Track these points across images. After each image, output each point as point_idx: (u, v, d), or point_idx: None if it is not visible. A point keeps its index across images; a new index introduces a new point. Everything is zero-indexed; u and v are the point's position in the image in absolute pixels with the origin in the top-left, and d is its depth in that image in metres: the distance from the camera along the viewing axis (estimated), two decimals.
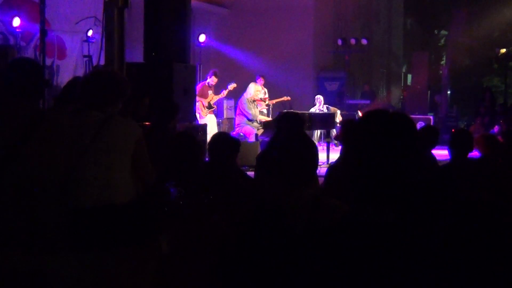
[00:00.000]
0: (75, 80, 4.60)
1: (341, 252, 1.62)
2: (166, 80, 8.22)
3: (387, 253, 1.57)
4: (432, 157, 5.93)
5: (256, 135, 11.28)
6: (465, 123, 20.13)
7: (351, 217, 1.67)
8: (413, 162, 1.60)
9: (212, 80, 12.06)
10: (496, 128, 13.75)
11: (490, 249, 2.41)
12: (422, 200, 1.71)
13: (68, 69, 12.75)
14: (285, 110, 9.43)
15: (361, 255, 1.59)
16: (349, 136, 5.31)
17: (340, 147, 6.19)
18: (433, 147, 5.97)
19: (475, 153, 5.67)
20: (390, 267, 1.55)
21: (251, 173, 6.19)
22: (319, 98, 14.49)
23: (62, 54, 12.83)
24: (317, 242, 1.70)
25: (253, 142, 10.81)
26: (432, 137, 5.98)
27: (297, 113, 6.32)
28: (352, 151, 1.64)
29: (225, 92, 12.49)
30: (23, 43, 11.77)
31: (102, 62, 7.35)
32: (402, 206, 1.58)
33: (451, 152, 5.20)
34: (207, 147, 4.99)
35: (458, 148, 5.15)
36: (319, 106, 14.32)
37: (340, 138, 5.90)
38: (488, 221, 2.44)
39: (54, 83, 11.77)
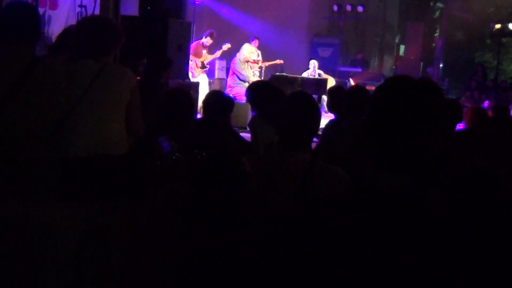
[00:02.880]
0: (69, 29, 4.51)
1: (345, 226, 1.50)
2: (160, 35, 8.12)
3: (399, 228, 1.47)
4: None
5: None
6: (455, 97, 20.14)
7: (363, 186, 1.56)
8: (437, 133, 1.53)
9: (207, 40, 11.90)
10: (486, 103, 13.77)
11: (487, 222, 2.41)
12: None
13: (59, 20, 12.50)
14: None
15: (370, 229, 1.47)
16: (338, 104, 5.30)
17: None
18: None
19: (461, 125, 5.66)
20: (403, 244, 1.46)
21: (242, 134, 6.17)
22: (314, 63, 14.37)
23: (54, 4, 12.58)
24: (314, 214, 1.57)
25: (244, 104, 10.74)
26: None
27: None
28: (375, 117, 1.55)
29: (218, 53, 12.36)
30: None
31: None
32: (419, 177, 1.52)
33: None
34: (202, 104, 4.95)
35: (446, 118, 5.10)
36: (313, 71, 14.21)
37: (330, 107, 5.88)
38: (484, 189, 2.44)
39: (45, 33, 11.56)
